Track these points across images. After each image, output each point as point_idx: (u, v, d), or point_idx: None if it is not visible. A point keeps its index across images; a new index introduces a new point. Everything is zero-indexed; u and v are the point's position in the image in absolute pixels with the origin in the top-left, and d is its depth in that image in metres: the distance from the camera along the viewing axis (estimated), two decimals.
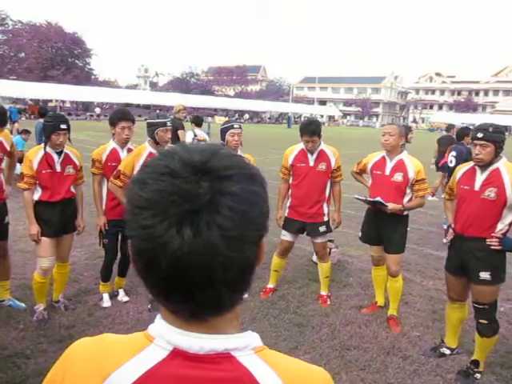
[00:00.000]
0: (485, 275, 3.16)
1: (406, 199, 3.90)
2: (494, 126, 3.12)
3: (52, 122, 3.65)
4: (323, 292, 4.48)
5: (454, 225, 3.39)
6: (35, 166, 3.64)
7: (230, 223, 0.58)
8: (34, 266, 4.02)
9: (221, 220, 0.57)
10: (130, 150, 4.04)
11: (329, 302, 4.40)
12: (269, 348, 0.68)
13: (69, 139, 3.77)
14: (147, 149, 3.87)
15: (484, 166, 3.16)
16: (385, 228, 3.96)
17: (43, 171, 3.67)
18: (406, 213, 3.95)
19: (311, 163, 4.22)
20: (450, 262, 3.45)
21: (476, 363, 3.33)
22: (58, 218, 3.73)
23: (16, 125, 13.19)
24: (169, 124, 3.90)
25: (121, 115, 4.03)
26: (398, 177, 3.87)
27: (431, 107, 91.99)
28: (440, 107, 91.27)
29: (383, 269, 4.20)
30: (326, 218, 4.30)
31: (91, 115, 44.06)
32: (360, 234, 4.27)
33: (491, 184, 3.12)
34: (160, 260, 0.58)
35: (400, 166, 3.89)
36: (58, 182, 3.73)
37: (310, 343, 3.64)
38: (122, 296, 4.28)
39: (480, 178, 3.19)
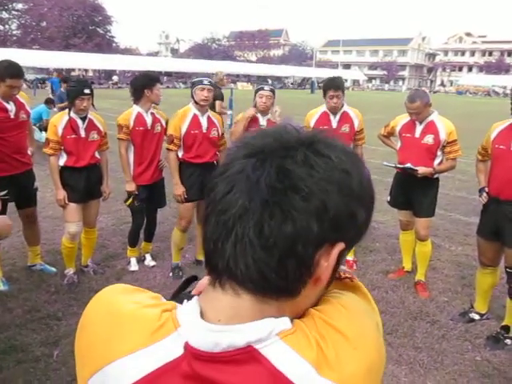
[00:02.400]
0: None
1: (436, 162, 3.78)
2: None
3: (76, 87, 3.64)
4: (349, 257, 4.43)
5: (488, 187, 3.27)
6: (60, 131, 3.65)
7: (301, 172, 0.52)
8: (62, 231, 4.11)
9: (291, 166, 0.52)
10: (153, 115, 4.02)
11: (355, 267, 4.37)
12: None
13: (92, 105, 3.76)
14: (191, 110, 3.92)
15: None
16: (415, 192, 3.85)
17: (68, 136, 3.67)
18: (436, 176, 3.83)
19: (334, 125, 4.11)
20: (484, 226, 3.34)
21: (506, 328, 3.27)
22: (83, 183, 3.75)
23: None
24: (206, 82, 3.85)
25: (151, 78, 4.05)
26: (429, 139, 3.73)
27: (460, 69, 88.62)
28: (470, 69, 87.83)
29: (411, 233, 4.12)
30: None
31: (114, 84, 44.13)
32: (388, 198, 4.18)
33: None
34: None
35: (430, 128, 3.74)
36: (82, 148, 3.74)
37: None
38: (149, 261, 4.34)
39: None
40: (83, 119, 3.73)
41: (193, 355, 0.52)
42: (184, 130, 3.88)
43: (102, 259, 4.37)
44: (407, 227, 4.15)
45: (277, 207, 0.50)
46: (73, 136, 3.68)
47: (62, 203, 3.73)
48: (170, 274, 4.13)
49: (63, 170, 3.74)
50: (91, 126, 3.79)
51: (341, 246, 0.54)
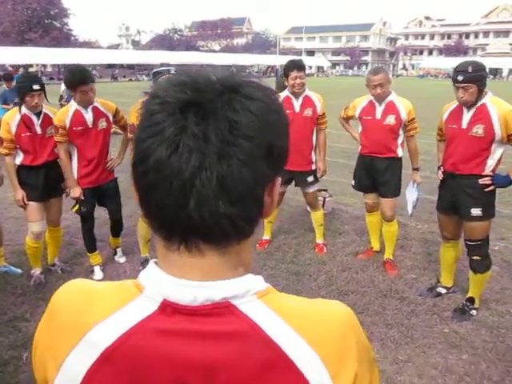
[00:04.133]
0: (476, 211, 3.18)
1: (399, 141, 3.86)
2: (473, 65, 3.03)
3: (24, 83, 3.45)
4: (319, 240, 4.49)
5: (444, 164, 3.37)
6: (13, 129, 3.48)
7: (246, 121, 0.52)
8: (26, 231, 3.97)
9: (235, 116, 0.52)
10: (95, 109, 3.62)
11: (325, 250, 4.43)
12: None
13: (46, 99, 3.60)
14: None
15: (470, 105, 3.12)
16: (379, 173, 3.92)
17: (22, 134, 3.51)
18: (400, 155, 3.90)
19: (297, 109, 4.10)
20: (442, 201, 3.46)
21: (471, 300, 3.39)
22: (42, 181, 3.61)
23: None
24: (172, 71, 3.79)
25: (78, 79, 3.44)
26: (391, 119, 3.79)
27: (421, 53, 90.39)
28: (430, 52, 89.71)
29: (377, 215, 4.19)
30: (313, 167, 4.23)
31: None
32: (353, 182, 4.24)
33: (479, 121, 3.09)
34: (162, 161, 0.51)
35: (391, 109, 3.80)
36: (39, 145, 3.58)
37: (308, 291, 3.67)
38: (120, 256, 4.24)
39: (467, 115, 3.15)
40: (37, 115, 3.56)
41: (173, 309, 0.53)
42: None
43: (69, 257, 4.27)
44: (373, 209, 4.21)
45: (233, 158, 0.51)
46: (28, 134, 3.52)
47: (20, 203, 3.60)
48: (140, 268, 4.07)
49: (20, 169, 3.59)
50: (47, 122, 3.60)
51: (278, 180, 0.58)
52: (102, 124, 3.67)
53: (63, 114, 3.57)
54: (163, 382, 0.52)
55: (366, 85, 3.83)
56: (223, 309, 0.53)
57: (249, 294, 0.55)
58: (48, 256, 4.01)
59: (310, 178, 4.23)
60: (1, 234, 4.01)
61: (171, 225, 0.53)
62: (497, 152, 3.13)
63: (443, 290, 3.64)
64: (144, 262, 4.09)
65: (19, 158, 3.58)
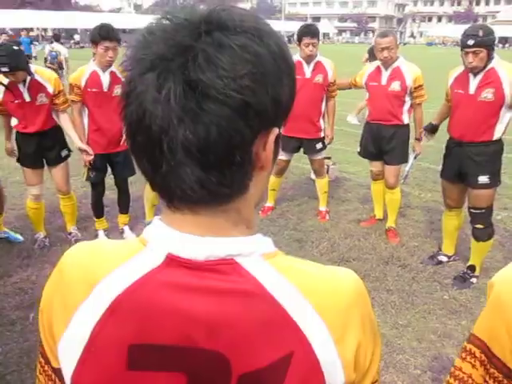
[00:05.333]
0: (483, 179, 3.17)
1: (405, 108, 3.80)
2: (484, 29, 2.96)
3: None
4: (322, 207, 4.50)
5: (450, 131, 3.33)
6: (0, 96, 3.35)
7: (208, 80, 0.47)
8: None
9: (199, 75, 0.47)
10: (113, 74, 3.51)
11: (328, 217, 4.44)
12: None
13: (28, 73, 3.36)
14: None
15: (478, 70, 3.06)
16: (385, 141, 3.88)
17: (10, 102, 3.38)
18: (406, 122, 3.84)
19: (307, 74, 4.03)
20: (447, 169, 3.43)
21: (472, 268, 3.42)
22: (33, 149, 3.54)
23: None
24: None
25: (104, 33, 3.36)
26: (396, 86, 3.73)
27: (430, 20, 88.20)
28: (439, 20, 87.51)
29: (382, 183, 4.17)
30: (322, 134, 4.21)
31: (75, 43, 42.18)
32: (358, 149, 4.20)
33: (488, 85, 3.03)
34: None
35: (397, 75, 3.73)
36: (29, 113, 3.43)
37: (310, 257, 3.71)
38: (128, 234, 4.07)
39: (474, 81, 3.09)
40: (23, 82, 3.36)
41: (177, 263, 0.53)
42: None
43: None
44: (378, 177, 4.19)
45: (198, 122, 0.47)
46: (16, 101, 3.37)
47: (9, 153, 3.73)
48: None
49: (16, 133, 3.58)
50: (36, 88, 3.41)
51: (275, 131, 0.54)
52: (117, 91, 3.51)
53: (80, 73, 3.51)
54: (168, 334, 0.52)
55: (374, 48, 3.76)
56: (228, 266, 0.52)
57: (255, 253, 0.54)
58: (65, 224, 4.03)
59: (319, 145, 4.22)
60: (3, 201, 3.98)
61: (153, 187, 0.54)
62: (505, 117, 3.09)
63: (444, 258, 3.67)
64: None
65: (14, 121, 3.54)
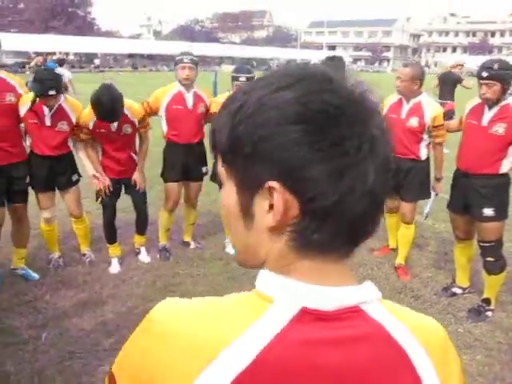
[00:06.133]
0: (488, 211, 3.16)
1: (423, 144, 3.68)
2: (500, 63, 3.02)
3: (40, 87, 3.30)
4: None
5: (457, 162, 3.37)
6: (22, 112, 3.42)
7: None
8: None
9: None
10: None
11: None
12: None
13: (66, 90, 3.57)
14: (175, 87, 3.88)
15: (492, 104, 3.09)
16: (401, 175, 3.71)
17: (30, 120, 3.46)
18: (423, 158, 3.73)
19: None
20: (453, 200, 3.44)
21: (487, 301, 3.37)
22: (45, 173, 3.57)
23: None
24: (186, 60, 3.77)
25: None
26: (413, 122, 3.61)
27: (444, 50, 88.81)
28: (454, 50, 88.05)
29: (396, 216, 4.11)
30: None
31: (95, 67, 43.28)
32: None
33: (501, 120, 3.07)
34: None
35: (416, 110, 3.62)
36: (46, 136, 3.50)
37: None
38: (144, 256, 4.07)
39: (488, 113, 3.13)
40: (50, 106, 3.46)
41: (312, 316, 0.51)
42: (165, 105, 3.83)
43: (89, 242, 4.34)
44: (393, 210, 4.13)
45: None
46: (35, 121, 3.46)
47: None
48: (158, 256, 4.13)
49: (29, 154, 3.60)
50: (60, 115, 3.51)
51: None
52: (127, 130, 3.64)
53: (90, 115, 3.51)
54: None
55: None
56: (354, 313, 0.53)
57: (374, 300, 0.55)
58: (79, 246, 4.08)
59: None
60: (26, 235, 3.78)
61: (357, 233, 0.55)
62: None
63: (459, 290, 3.62)
64: (162, 250, 4.14)
65: (29, 140, 3.60)
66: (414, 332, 0.55)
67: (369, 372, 0.52)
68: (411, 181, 3.73)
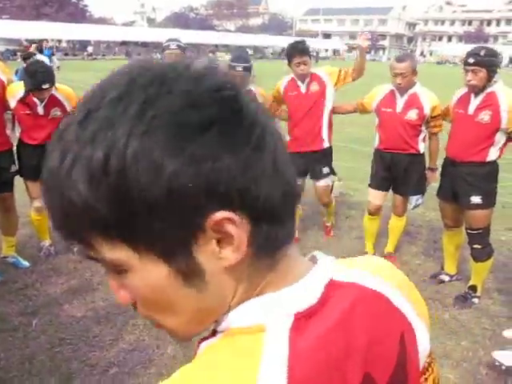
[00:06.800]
0: (476, 199, 3.19)
1: (420, 137, 3.60)
2: (486, 50, 3.04)
3: (32, 81, 3.22)
4: (328, 223, 4.49)
5: (446, 150, 3.38)
6: (13, 103, 3.37)
7: None
8: None
9: None
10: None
11: (332, 234, 4.45)
12: None
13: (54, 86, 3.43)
14: None
15: (478, 91, 3.10)
16: (399, 171, 3.67)
17: (21, 112, 3.43)
18: (422, 151, 3.63)
19: (303, 90, 3.95)
20: (442, 188, 3.47)
21: (474, 288, 3.41)
22: (36, 161, 3.44)
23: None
24: (172, 47, 3.72)
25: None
26: (412, 115, 3.48)
27: (440, 39, 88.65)
28: (449, 39, 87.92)
29: (378, 219, 3.97)
30: (325, 145, 4.02)
31: (88, 55, 42.84)
32: (370, 181, 3.92)
33: (486, 108, 3.08)
34: None
35: (414, 102, 3.49)
36: (39, 125, 3.46)
37: None
38: None
39: (474, 102, 3.15)
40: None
41: (307, 315, 0.46)
42: None
43: None
44: (377, 212, 3.92)
45: None
46: (27, 112, 3.42)
47: None
48: None
49: (18, 142, 3.57)
50: (53, 103, 3.46)
51: None
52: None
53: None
54: None
55: (390, 71, 3.54)
56: (332, 288, 0.51)
57: (333, 264, 0.55)
58: None
59: (325, 170, 4.06)
60: (15, 223, 3.78)
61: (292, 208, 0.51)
62: (500, 141, 3.13)
63: (446, 278, 3.67)
64: None
65: (18, 130, 3.56)
66: (379, 275, 0.56)
67: (378, 329, 0.51)
68: (410, 175, 3.65)
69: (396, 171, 3.70)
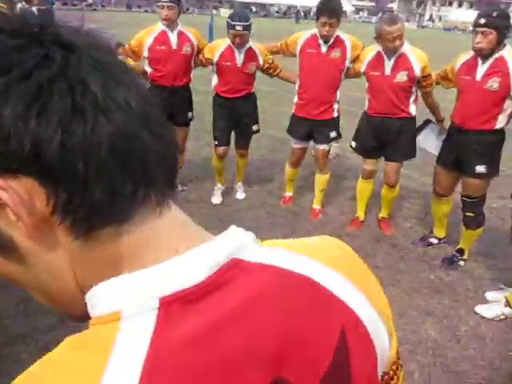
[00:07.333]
0: (480, 168, 3.17)
1: (411, 99, 3.52)
2: (500, 11, 2.96)
3: None
4: (316, 206, 4.14)
5: (452, 117, 3.34)
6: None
7: None
8: None
9: None
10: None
11: (320, 217, 4.10)
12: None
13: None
14: (159, 27, 3.85)
15: (486, 56, 3.02)
16: (390, 136, 3.58)
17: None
18: (413, 114, 3.56)
19: (323, 50, 3.66)
20: (445, 155, 3.41)
21: (461, 252, 3.50)
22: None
23: None
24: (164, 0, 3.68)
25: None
26: (403, 77, 3.38)
27: (450, 4, 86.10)
28: (460, 5, 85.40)
29: (372, 182, 3.92)
30: (335, 114, 3.85)
31: (88, 5, 41.56)
32: (353, 143, 3.83)
33: (495, 74, 3.01)
34: None
35: (403, 63, 3.37)
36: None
37: (302, 230, 3.80)
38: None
39: (482, 67, 3.06)
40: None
41: (181, 301, 0.38)
42: (148, 46, 3.78)
43: None
44: (371, 175, 3.88)
45: None
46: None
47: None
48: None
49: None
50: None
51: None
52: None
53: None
54: None
55: (376, 37, 3.39)
56: (233, 270, 0.41)
57: (250, 241, 0.46)
58: None
59: (333, 134, 3.89)
60: None
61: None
62: (509, 108, 3.07)
63: (435, 241, 3.75)
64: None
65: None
66: (324, 260, 0.47)
67: (299, 324, 0.41)
68: (402, 141, 3.57)
69: (387, 137, 3.59)
